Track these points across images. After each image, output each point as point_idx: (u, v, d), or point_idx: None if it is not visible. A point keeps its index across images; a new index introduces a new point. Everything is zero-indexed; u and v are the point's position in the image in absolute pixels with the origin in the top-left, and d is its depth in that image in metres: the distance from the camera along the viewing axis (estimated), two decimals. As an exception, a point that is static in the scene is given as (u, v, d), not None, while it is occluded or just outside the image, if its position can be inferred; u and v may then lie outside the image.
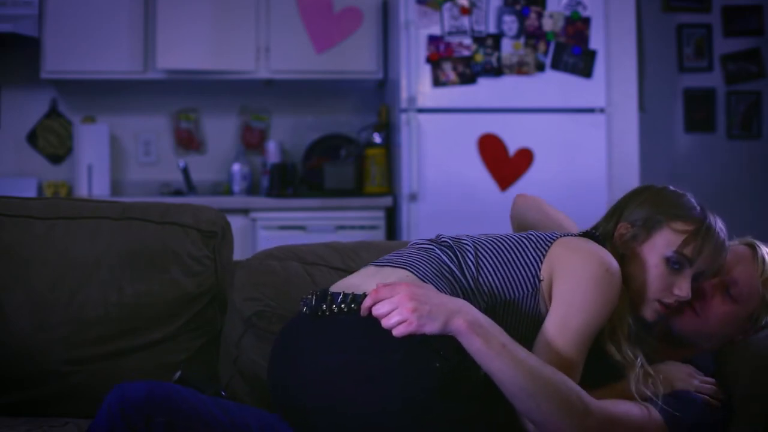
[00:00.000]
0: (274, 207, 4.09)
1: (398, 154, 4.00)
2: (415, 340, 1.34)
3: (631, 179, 3.93)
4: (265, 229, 4.01)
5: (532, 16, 3.86)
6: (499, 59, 3.85)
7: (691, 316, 1.59)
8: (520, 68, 3.86)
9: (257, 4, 4.27)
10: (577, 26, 3.87)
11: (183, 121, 4.69)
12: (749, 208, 4.99)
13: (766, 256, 1.61)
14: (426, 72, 3.83)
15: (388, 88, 4.38)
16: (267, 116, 4.72)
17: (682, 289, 1.51)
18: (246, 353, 1.87)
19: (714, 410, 1.52)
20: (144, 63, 4.27)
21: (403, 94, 3.84)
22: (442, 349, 1.36)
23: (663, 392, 1.48)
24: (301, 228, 4.02)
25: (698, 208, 1.56)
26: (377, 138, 4.31)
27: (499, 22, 3.86)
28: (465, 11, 3.84)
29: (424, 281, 1.46)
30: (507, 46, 3.86)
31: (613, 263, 1.47)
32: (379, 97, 4.62)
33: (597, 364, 1.50)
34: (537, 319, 1.48)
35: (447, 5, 3.83)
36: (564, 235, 1.55)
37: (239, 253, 2.15)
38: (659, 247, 1.53)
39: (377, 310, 1.36)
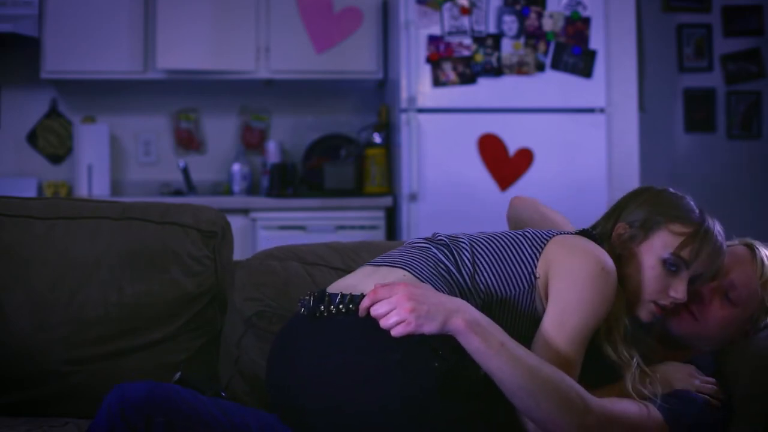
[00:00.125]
0: (274, 207, 4.09)
1: (398, 154, 4.00)
2: (413, 340, 1.34)
3: (631, 179, 3.94)
4: (265, 229, 4.01)
5: (532, 16, 3.86)
6: (499, 59, 3.85)
7: (690, 321, 1.59)
8: (520, 68, 3.86)
9: (257, 4, 4.27)
10: (577, 26, 3.87)
11: (183, 121, 4.69)
12: (749, 208, 4.99)
13: (765, 258, 1.60)
14: (426, 72, 3.83)
15: (388, 88, 4.38)
16: (267, 116, 4.72)
17: (678, 291, 1.52)
18: (246, 353, 1.87)
19: (714, 410, 1.52)
20: (144, 63, 4.27)
21: (403, 94, 3.84)
22: (440, 348, 1.36)
23: (661, 392, 1.48)
24: (301, 228, 4.02)
25: (697, 211, 1.57)
26: (377, 138, 4.31)
27: (499, 22, 3.86)
28: (465, 11, 3.84)
29: (421, 281, 1.46)
30: (507, 46, 3.86)
31: (609, 261, 1.47)
32: (379, 97, 4.62)
33: (596, 364, 1.50)
34: (533, 317, 1.49)
35: (447, 5, 3.84)
36: (560, 233, 1.55)
37: (239, 253, 2.15)
38: (657, 248, 1.53)
39: (375, 311, 1.36)
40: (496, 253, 1.51)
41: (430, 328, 1.34)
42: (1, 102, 4.58)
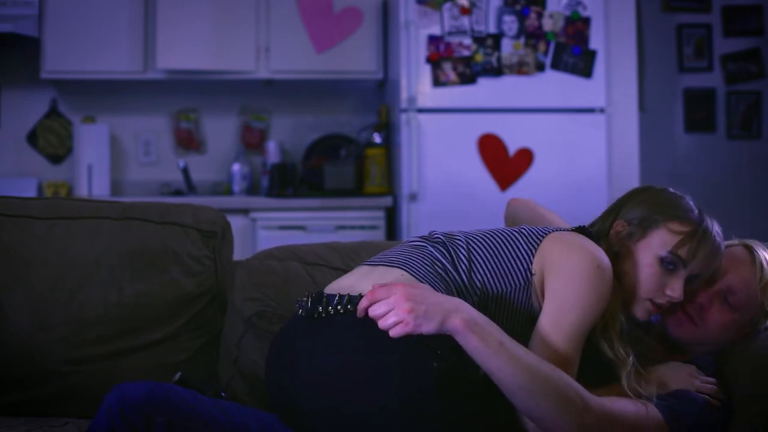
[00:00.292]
0: (274, 207, 4.09)
1: (398, 154, 4.00)
2: (412, 340, 1.34)
3: (631, 179, 3.94)
4: (265, 229, 4.01)
5: (532, 16, 3.86)
6: (499, 59, 3.85)
7: (690, 325, 1.59)
8: (520, 68, 3.86)
9: (257, 4, 4.27)
10: (577, 26, 3.87)
11: (183, 121, 4.69)
12: (749, 208, 4.99)
13: (764, 261, 1.60)
14: (426, 72, 3.83)
15: (388, 88, 4.38)
16: (267, 116, 4.73)
17: (675, 290, 1.51)
18: (246, 353, 1.87)
19: (714, 410, 1.52)
20: (144, 63, 4.27)
21: (403, 94, 3.84)
22: (439, 348, 1.36)
23: (657, 392, 1.48)
24: (301, 228, 4.02)
25: (696, 210, 1.57)
26: (377, 138, 4.31)
27: (499, 22, 3.86)
28: (465, 11, 3.84)
29: (419, 280, 1.46)
30: (507, 46, 3.86)
31: (604, 259, 1.47)
32: (379, 97, 4.62)
33: (596, 364, 1.50)
34: (530, 315, 1.49)
35: (447, 5, 3.83)
36: (556, 230, 1.55)
37: (239, 253, 2.15)
38: (654, 246, 1.53)
39: (374, 311, 1.36)
40: (492, 250, 1.51)
41: (428, 328, 1.34)
42: (1, 102, 4.58)
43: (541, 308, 1.47)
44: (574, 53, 3.87)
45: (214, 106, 4.70)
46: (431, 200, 3.83)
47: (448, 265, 1.49)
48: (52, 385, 1.80)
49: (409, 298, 1.34)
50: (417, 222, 3.80)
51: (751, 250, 1.62)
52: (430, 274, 1.48)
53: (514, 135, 3.88)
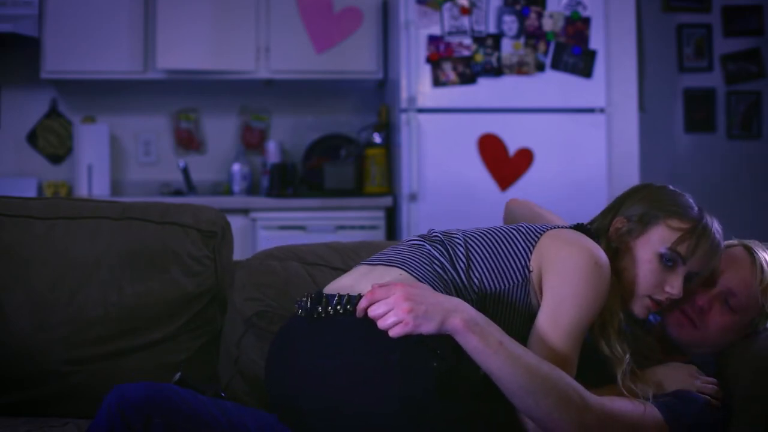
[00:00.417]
0: (274, 207, 4.09)
1: (398, 154, 4.00)
2: (411, 340, 1.34)
3: (631, 179, 3.93)
4: (265, 229, 4.01)
5: (532, 16, 3.86)
6: (499, 59, 3.85)
7: (690, 328, 1.59)
8: (520, 68, 3.86)
9: (257, 4, 4.27)
10: (577, 26, 3.87)
11: (183, 121, 4.69)
12: (749, 208, 4.99)
13: (764, 262, 1.60)
14: (426, 72, 3.83)
15: (388, 88, 4.38)
16: (267, 116, 4.72)
17: (674, 286, 1.51)
18: (246, 353, 1.87)
19: (714, 410, 1.52)
20: (144, 63, 4.27)
21: (403, 94, 3.84)
22: (439, 348, 1.36)
23: (653, 393, 1.48)
24: (301, 228, 4.02)
25: (696, 208, 1.57)
26: (377, 138, 4.31)
27: (499, 22, 3.86)
28: (465, 11, 3.84)
29: (418, 279, 1.46)
30: (507, 46, 3.86)
31: (602, 255, 1.47)
32: (379, 97, 4.62)
33: (597, 363, 1.50)
34: (529, 313, 1.48)
35: (447, 5, 3.83)
36: (554, 227, 1.55)
37: (239, 253, 2.15)
38: (654, 242, 1.53)
39: (373, 312, 1.36)
40: (490, 248, 1.51)
41: (428, 328, 1.33)
42: (1, 102, 4.58)
43: (539, 306, 1.47)
44: (574, 53, 3.87)
45: (214, 106, 4.70)
46: (431, 200, 3.83)
47: (447, 264, 1.49)
48: (52, 385, 1.80)
49: (408, 298, 1.34)
50: (417, 222, 3.80)
51: (751, 252, 1.61)
52: (429, 273, 1.48)
53: (514, 135, 3.88)
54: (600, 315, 1.47)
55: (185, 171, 4.50)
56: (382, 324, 1.35)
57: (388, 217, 4.12)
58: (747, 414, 1.53)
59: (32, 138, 4.61)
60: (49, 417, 1.76)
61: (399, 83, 3.88)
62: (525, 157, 3.88)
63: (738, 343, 1.62)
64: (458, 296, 1.45)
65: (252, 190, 4.55)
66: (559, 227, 1.56)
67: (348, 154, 4.44)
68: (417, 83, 3.83)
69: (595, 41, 3.88)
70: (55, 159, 4.62)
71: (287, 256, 1.96)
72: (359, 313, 1.39)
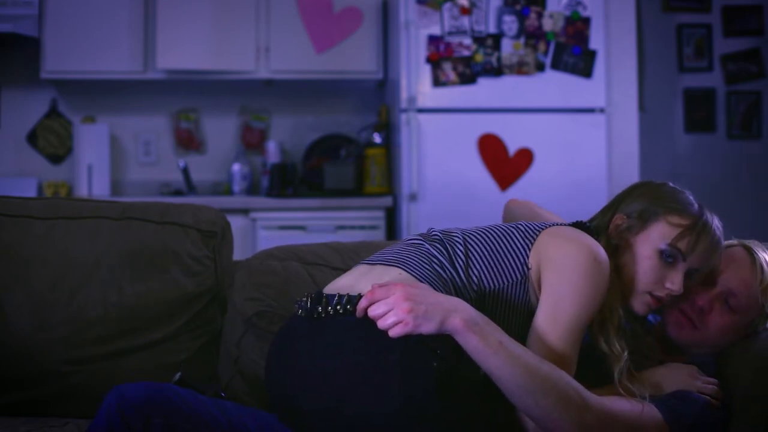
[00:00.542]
0: (274, 207, 4.09)
1: (398, 154, 4.00)
2: (411, 340, 1.34)
3: (631, 179, 3.93)
4: (265, 229, 4.01)
5: (532, 16, 3.86)
6: (499, 59, 3.85)
7: (690, 328, 1.59)
8: (520, 68, 3.86)
9: (257, 4, 4.27)
10: (577, 26, 3.87)
11: (183, 121, 4.69)
12: (749, 208, 4.99)
13: (764, 263, 1.60)
14: (426, 72, 3.83)
15: (388, 88, 4.38)
16: (267, 116, 4.73)
17: (675, 283, 1.51)
18: (246, 353, 1.87)
19: (714, 410, 1.52)
20: (144, 63, 4.27)
21: (403, 94, 3.84)
22: (439, 348, 1.36)
23: (651, 394, 1.48)
24: (301, 228, 4.02)
25: (696, 204, 1.57)
26: (377, 138, 4.31)
27: (499, 22, 3.86)
28: (465, 11, 3.84)
29: (418, 279, 1.46)
30: (507, 46, 3.86)
31: (601, 252, 1.47)
32: (379, 97, 4.62)
33: (597, 364, 1.50)
34: (528, 311, 1.48)
35: (447, 5, 3.83)
36: (553, 225, 1.55)
37: (239, 253, 2.15)
38: (654, 239, 1.53)
39: (373, 312, 1.36)
40: (489, 246, 1.51)
41: (428, 328, 1.33)
42: (1, 102, 4.58)
43: (538, 303, 1.47)
44: (574, 53, 3.87)
45: (214, 106, 4.70)
46: (431, 200, 3.83)
47: (446, 262, 1.49)
48: (52, 385, 1.80)
49: (408, 298, 1.34)
50: (417, 222, 3.80)
51: (751, 252, 1.61)
52: (428, 273, 1.47)
53: (514, 135, 3.88)
54: (599, 312, 1.47)
55: (185, 171, 4.50)
56: (382, 324, 1.35)
57: (388, 217, 4.12)
58: (747, 414, 1.53)
59: (32, 138, 4.61)
60: (49, 417, 1.76)
61: (399, 83, 3.88)
62: (525, 157, 3.88)
63: (738, 343, 1.62)
64: (457, 295, 1.45)
65: (252, 190, 4.55)
66: (558, 224, 1.56)
67: (348, 154, 4.44)
68: (417, 83, 3.83)
69: (595, 41, 3.88)
70: (55, 159, 4.62)
71: (287, 256, 1.96)
72: (359, 313, 1.39)
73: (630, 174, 3.97)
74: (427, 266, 1.49)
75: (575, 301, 1.43)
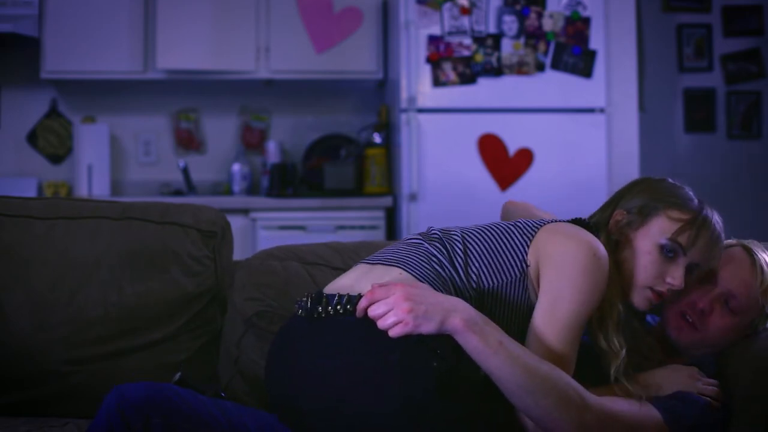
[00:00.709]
0: (274, 207, 4.09)
1: (398, 154, 4.00)
2: (411, 340, 1.34)
3: (631, 179, 3.91)
4: (265, 229, 4.01)
5: (532, 16, 3.86)
6: (499, 59, 3.85)
7: (690, 331, 1.59)
8: (520, 68, 3.86)
9: (257, 4, 4.27)
10: (577, 26, 3.87)
11: (183, 121, 4.69)
12: (749, 208, 4.99)
13: (764, 264, 1.60)
14: (426, 72, 3.83)
15: (388, 88, 4.38)
16: (267, 116, 4.72)
17: (676, 277, 1.51)
18: (246, 353, 1.87)
19: (715, 411, 1.52)
20: (144, 63, 4.27)
21: (403, 94, 3.84)
22: (439, 348, 1.36)
23: (650, 394, 1.48)
24: (301, 228, 4.02)
25: (696, 200, 1.57)
26: (377, 138, 4.31)
27: (499, 22, 3.86)
28: (465, 11, 3.84)
29: (418, 279, 1.46)
30: (507, 46, 3.86)
31: (601, 248, 1.46)
32: (379, 97, 4.62)
33: (598, 364, 1.50)
34: (527, 308, 1.48)
35: (447, 5, 3.83)
36: (552, 221, 1.55)
37: (239, 253, 2.15)
38: (654, 233, 1.53)
39: (373, 312, 1.36)
40: (487, 243, 1.51)
41: (428, 328, 1.33)
42: (1, 102, 4.58)
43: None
44: (574, 53, 3.87)
45: (214, 106, 4.70)
46: (431, 200, 3.83)
47: (445, 261, 1.49)
48: (52, 385, 1.80)
49: (408, 297, 1.34)
50: (417, 222, 3.80)
51: (750, 253, 1.61)
52: (428, 272, 1.47)
53: (514, 135, 3.88)
54: (599, 308, 1.47)
55: (185, 171, 4.50)
56: (382, 324, 1.35)
57: (388, 217, 4.12)
58: (747, 414, 1.53)
59: (32, 138, 4.61)
60: (49, 417, 1.76)
61: (399, 83, 3.88)
62: (525, 157, 3.88)
63: (738, 343, 1.62)
64: (457, 294, 1.45)
65: (252, 190, 4.55)
66: (556, 221, 1.56)
67: (348, 154, 4.44)
68: (417, 83, 3.83)
69: (595, 41, 3.88)
70: (55, 159, 4.62)
71: (287, 256, 1.96)
72: (359, 312, 1.39)
73: (630, 174, 3.97)
74: (426, 266, 1.48)
75: (574, 298, 1.42)
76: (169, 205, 1.99)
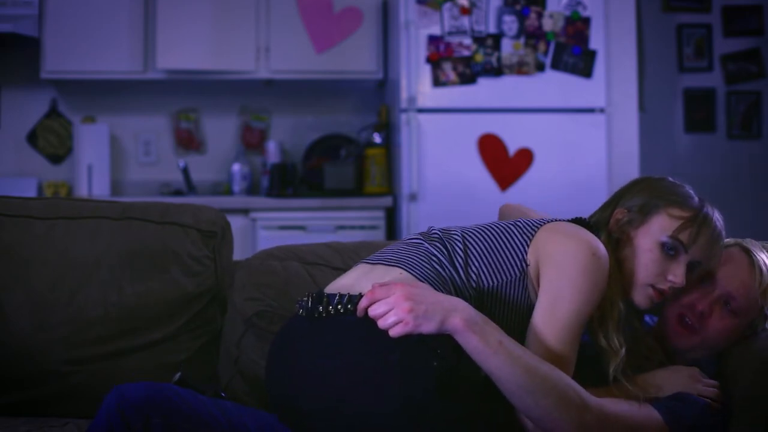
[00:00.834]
0: (274, 207, 4.09)
1: (398, 154, 4.00)
2: (412, 340, 1.34)
3: (631, 179, 3.92)
4: (265, 229, 4.01)
5: (532, 16, 3.86)
6: (499, 59, 3.85)
7: (689, 335, 1.59)
8: (520, 68, 3.86)
9: (257, 4, 4.27)
10: (577, 26, 3.87)
11: (183, 121, 4.69)
12: (749, 208, 4.99)
13: (763, 264, 1.60)
14: (426, 72, 3.83)
15: (388, 88, 4.38)
16: (267, 116, 4.72)
17: (677, 275, 1.51)
18: (246, 353, 1.87)
19: (715, 412, 1.52)
20: (144, 63, 4.27)
21: (403, 94, 3.84)
22: (439, 348, 1.36)
23: (649, 395, 1.48)
24: (301, 228, 4.02)
25: (696, 197, 1.57)
26: (377, 138, 4.31)
27: (499, 22, 3.86)
28: (465, 11, 3.84)
29: (418, 279, 1.46)
30: (507, 46, 3.86)
31: (601, 247, 1.46)
32: (379, 97, 4.62)
33: (598, 365, 1.50)
34: (527, 308, 1.48)
35: (447, 5, 3.83)
36: (552, 220, 1.55)
37: (239, 253, 2.15)
38: (654, 231, 1.53)
39: (373, 311, 1.36)
40: (487, 243, 1.51)
41: (428, 327, 1.33)
42: (1, 102, 4.58)
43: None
44: (574, 53, 3.87)
45: (214, 106, 4.70)
46: (431, 200, 3.83)
47: (445, 261, 1.49)
48: (52, 385, 1.80)
49: (408, 297, 1.34)
50: (417, 222, 3.80)
51: (749, 253, 1.61)
52: (428, 272, 1.47)
53: (514, 135, 3.88)
54: (600, 306, 1.47)
55: (185, 171, 4.50)
56: (382, 324, 1.35)
57: (388, 217, 4.12)
58: (747, 414, 1.53)
59: (32, 138, 4.61)
60: (49, 417, 1.76)
61: (399, 83, 3.88)
62: (525, 157, 3.88)
63: (738, 343, 1.62)
64: (457, 294, 1.45)
65: (252, 190, 4.55)
66: (556, 220, 1.56)
67: (348, 154, 4.44)
68: (417, 83, 3.83)
69: (595, 41, 3.88)
70: (55, 159, 4.62)
71: (287, 256, 1.96)
72: (360, 312, 1.39)
73: (630, 174, 3.97)
74: (427, 265, 1.48)
75: (574, 297, 1.42)
76: (169, 205, 1.99)
